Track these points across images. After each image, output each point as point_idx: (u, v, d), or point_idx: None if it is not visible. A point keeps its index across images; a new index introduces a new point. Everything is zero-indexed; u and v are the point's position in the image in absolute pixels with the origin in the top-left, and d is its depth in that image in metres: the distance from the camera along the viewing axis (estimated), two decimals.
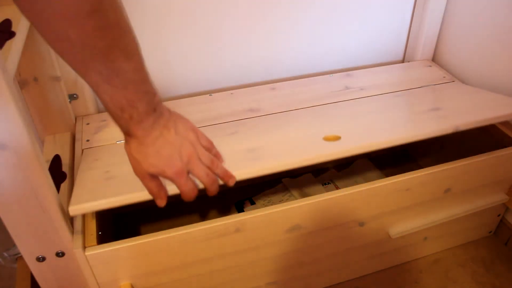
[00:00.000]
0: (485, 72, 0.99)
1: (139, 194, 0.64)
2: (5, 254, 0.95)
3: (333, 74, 1.06)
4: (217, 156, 0.64)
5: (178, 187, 0.57)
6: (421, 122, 0.78)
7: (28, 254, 0.62)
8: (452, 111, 0.84)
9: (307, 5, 0.99)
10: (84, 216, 0.69)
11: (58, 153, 0.83)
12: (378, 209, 0.80)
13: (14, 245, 0.95)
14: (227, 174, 0.63)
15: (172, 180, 0.57)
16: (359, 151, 0.73)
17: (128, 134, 0.54)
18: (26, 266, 0.64)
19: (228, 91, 1.00)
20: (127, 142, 0.55)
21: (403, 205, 0.82)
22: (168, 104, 0.94)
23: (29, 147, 0.52)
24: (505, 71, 0.94)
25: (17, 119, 0.50)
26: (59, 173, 0.78)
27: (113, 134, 0.87)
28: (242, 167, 0.69)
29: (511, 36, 0.90)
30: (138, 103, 0.51)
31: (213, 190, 0.61)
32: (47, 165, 0.59)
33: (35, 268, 0.64)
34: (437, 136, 0.77)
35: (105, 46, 0.45)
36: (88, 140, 0.85)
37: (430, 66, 1.10)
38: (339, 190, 0.73)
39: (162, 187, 0.59)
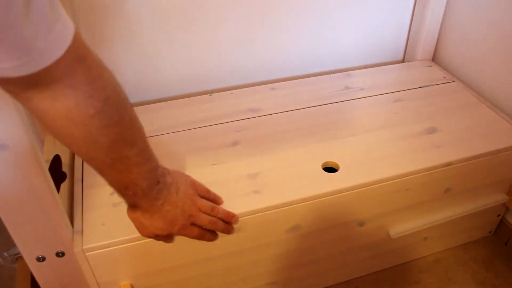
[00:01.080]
0: (485, 72, 0.99)
1: None
2: (5, 254, 0.95)
3: (333, 74, 1.06)
4: (215, 199, 0.67)
5: (188, 237, 0.61)
6: (417, 154, 0.80)
7: (28, 254, 0.62)
8: (448, 136, 0.84)
9: (307, 5, 0.99)
10: (83, 216, 0.69)
11: (58, 153, 0.83)
12: (378, 209, 0.80)
13: (14, 245, 0.95)
14: (229, 215, 0.66)
15: (178, 235, 0.61)
16: (355, 186, 0.74)
17: (132, 206, 0.57)
18: (26, 266, 0.64)
19: (228, 91, 1.00)
20: (131, 210, 0.58)
21: (403, 205, 0.82)
22: (168, 104, 0.95)
23: (29, 147, 0.52)
24: (505, 71, 0.94)
25: (17, 119, 0.50)
26: (59, 173, 0.78)
27: None
28: (244, 204, 0.70)
29: (511, 36, 0.90)
30: (141, 181, 0.52)
31: (223, 231, 0.65)
32: (47, 165, 0.59)
33: (35, 268, 0.64)
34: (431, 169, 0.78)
35: (109, 141, 0.46)
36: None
37: (430, 66, 1.10)
38: (339, 190, 0.73)
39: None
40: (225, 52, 0.99)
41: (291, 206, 0.72)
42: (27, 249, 0.61)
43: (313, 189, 0.73)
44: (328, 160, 0.79)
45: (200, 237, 0.62)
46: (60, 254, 0.64)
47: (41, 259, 0.63)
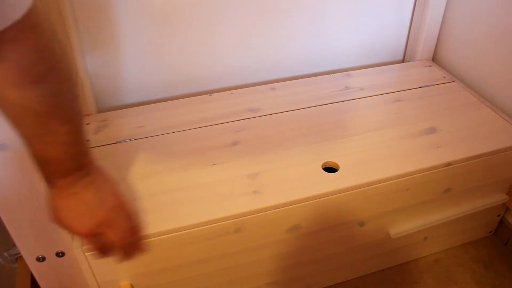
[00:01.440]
0: (485, 72, 0.99)
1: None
2: (5, 254, 0.95)
3: (333, 74, 1.06)
4: (134, 229, 0.60)
5: (89, 245, 0.56)
6: (417, 154, 0.80)
7: (28, 254, 0.62)
8: (448, 136, 0.84)
9: (307, 5, 0.99)
10: None
11: None
12: (378, 209, 0.80)
13: (14, 245, 0.95)
14: (134, 248, 0.60)
15: (79, 236, 0.56)
16: (355, 189, 0.74)
17: (47, 183, 0.54)
18: (26, 266, 0.64)
19: (228, 91, 1.00)
20: (48, 190, 0.55)
21: (403, 205, 0.82)
22: (168, 104, 0.95)
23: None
24: (505, 71, 0.94)
25: None
26: None
27: (113, 134, 0.87)
28: (244, 204, 0.70)
29: (511, 36, 0.90)
30: (64, 161, 0.51)
31: (123, 257, 0.59)
32: None
33: (35, 268, 0.64)
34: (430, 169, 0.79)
35: (43, 111, 0.46)
36: (88, 140, 0.85)
37: (430, 66, 1.10)
38: (339, 190, 0.73)
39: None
40: (225, 52, 0.99)
41: (291, 206, 0.72)
42: (27, 249, 0.61)
43: (313, 189, 0.73)
44: (328, 160, 0.79)
45: (99, 253, 0.57)
46: (60, 254, 0.64)
47: (41, 259, 0.63)
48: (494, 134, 0.85)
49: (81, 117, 0.52)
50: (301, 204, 0.72)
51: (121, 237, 0.57)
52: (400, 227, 0.85)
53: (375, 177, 0.75)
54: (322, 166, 0.78)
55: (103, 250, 0.57)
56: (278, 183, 0.74)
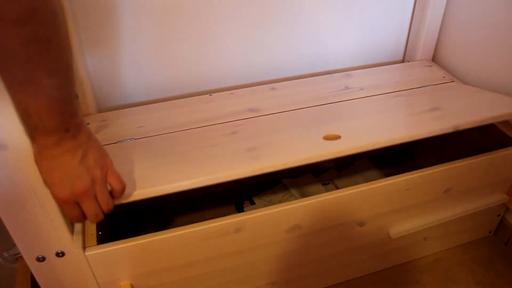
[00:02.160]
0: (485, 72, 0.99)
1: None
2: (5, 254, 0.95)
3: (333, 74, 1.06)
4: (110, 205, 0.59)
5: (65, 212, 0.55)
6: (421, 122, 0.79)
7: (28, 254, 0.62)
8: (452, 111, 0.84)
9: (307, 5, 0.99)
10: None
11: None
12: (378, 209, 0.80)
13: (14, 245, 0.95)
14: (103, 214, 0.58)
15: (56, 202, 0.55)
16: (359, 150, 0.73)
17: (30, 138, 0.52)
18: (26, 266, 0.64)
19: (228, 91, 1.00)
20: (32, 145, 0.53)
21: (403, 205, 0.82)
22: (168, 104, 0.95)
23: (29, 147, 0.52)
24: (505, 71, 0.94)
25: (17, 119, 0.50)
26: None
27: (113, 134, 0.87)
28: (241, 166, 0.69)
29: (511, 36, 0.90)
30: (47, 118, 0.48)
31: (93, 222, 0.58)
32: None
33: (35, 268, 0.64)
34: (437, 135, 0.77)
35: (26, 56, 0.44)
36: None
37: (430, 66, 1.10)
38: (339, 190, 0.73)
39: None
40: (225, 52, 0.99)
41: (291, 206, 0.72)
42: (27, 249, 0.61)
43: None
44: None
45: (75, 220, 0.56)
46: (60, 254, 0.64)
47: (41, 259, 0.63)
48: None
49: (71, 73, 0.49)
50: (301, 204, 0.72)
51: (96, 212, 0.55)
52: (400, 227, 0.85)
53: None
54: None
55: (77, 218, 0.55)
56: None
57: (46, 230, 0.60)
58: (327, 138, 0.77)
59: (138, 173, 0.70)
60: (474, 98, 0.89)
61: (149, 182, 0.68)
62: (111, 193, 0.59)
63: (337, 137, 0.76)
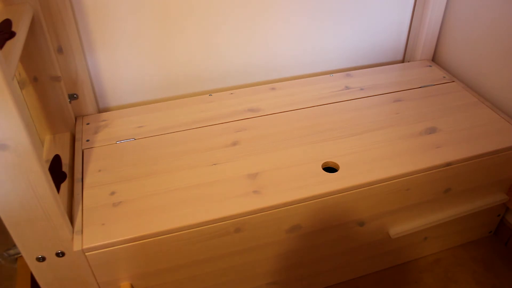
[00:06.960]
0: (485, 72, 0.99)
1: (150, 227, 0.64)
2: (5, 254, 0.95)
3: (333, 74, 1.06)
4: None
5: None
6: (417, 154, 0.80)
7: (28, 254, 0.62)
8: (448, 136, 0.84)
9: (307, 5, 0.99)
10: (83, 216, 0.69)
11: (58, 153, 0.83)
12: (378, 209, 0.80)
13: (14, 245, 0.95)
14: None
15: None
16: (355, 186, 0.74)
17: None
18: (26, 266, 0.65)
19: (228, 91, 1.00)
20: None
21: (403, 205, 0.82)
22: (168, 104, 0.95)
23: (29, 147, 0.52)
24: (505, 71, 0.94)
25: (17, 119, 0.50)
26: (59, 173, 0.78)
27: (113, 134, 0.87)
28: (244, 204, 0.70)
29: (511, 36, 0.91)
30: None
31: None
32: (47, 165, 0.60)
33: (35, 268, 0.64)
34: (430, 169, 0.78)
35: None
36: (88, 140, 0.85)
37: (430, 66, 1.10)
38: (339, 190, 0.74)
39: None
40: (225, 52, 0.99)
41: (291, 206, 0.72)
42: (27, 249, 0.61)
43: (313, 189, 0.73)
44: (328, 160, 0.79)
45: None
46: (60, 254, 0.64)
47: (41, 259, 0.63)
48: (494, 134, 0.85)
49: None
50: (301, 204, 0.72)
51: None
52: (400, 227, 0.85)
53: (375, 177, 0.75)
54: (322, 166, 0.78)
55: None
56: (278, 183, 0.74)
57: (46, 230, 0.60)
58: (326, 165, 0.78)
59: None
60: (473, 119, 0.88)
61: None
62: None
63: (336, 166, 0.78)
